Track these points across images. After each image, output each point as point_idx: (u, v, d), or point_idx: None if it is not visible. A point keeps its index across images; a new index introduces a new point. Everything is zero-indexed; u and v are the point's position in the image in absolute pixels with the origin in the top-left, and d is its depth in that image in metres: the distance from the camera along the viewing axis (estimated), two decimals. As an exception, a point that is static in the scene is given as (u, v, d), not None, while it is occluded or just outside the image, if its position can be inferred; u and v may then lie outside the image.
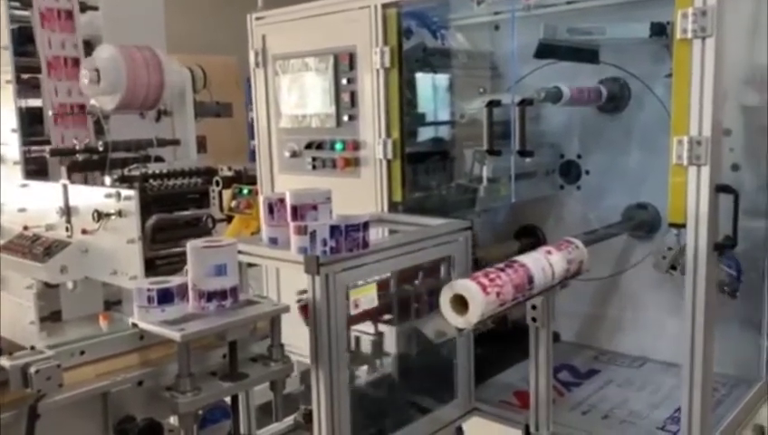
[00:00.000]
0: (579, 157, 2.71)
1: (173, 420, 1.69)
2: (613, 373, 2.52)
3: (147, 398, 1.64)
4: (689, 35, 1.76)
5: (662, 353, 2.50)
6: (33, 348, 1.48)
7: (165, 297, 1.62)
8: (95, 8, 3.87)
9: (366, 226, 1.82)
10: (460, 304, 1.68)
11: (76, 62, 3.55)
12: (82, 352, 1.60)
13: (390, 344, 2.14)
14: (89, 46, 3.73)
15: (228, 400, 1.81)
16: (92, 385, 1.55)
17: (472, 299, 1.65)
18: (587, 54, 2.46)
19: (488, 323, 2.62)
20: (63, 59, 3.62)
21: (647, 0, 2.36)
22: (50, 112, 3.59)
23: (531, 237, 2.74)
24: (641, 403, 2.28)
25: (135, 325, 1.63)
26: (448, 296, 1.69)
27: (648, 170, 2.46)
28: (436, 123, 2.78)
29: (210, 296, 1.67)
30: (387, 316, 2.14)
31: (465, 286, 1.68)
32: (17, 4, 3.62)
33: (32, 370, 1.40)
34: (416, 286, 2.17)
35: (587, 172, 2.70)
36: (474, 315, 1.66)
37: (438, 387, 2.22)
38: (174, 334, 1.53)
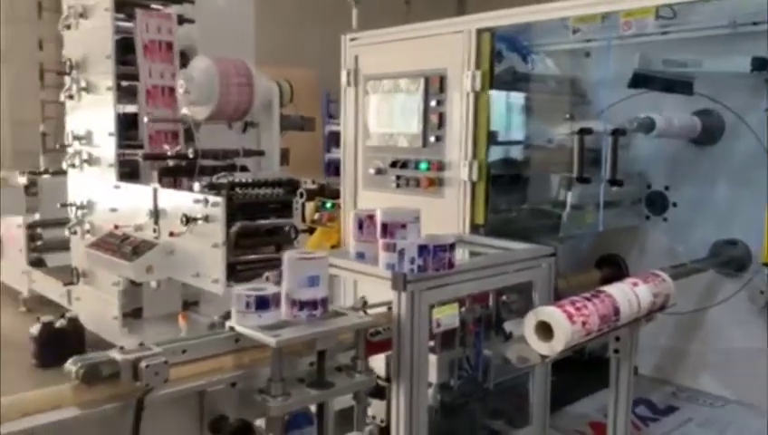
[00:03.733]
0: (666, 188, 2.67)
1: (259, 422, 1.75)
2: (693, 411, 2.46)
3: (239, 399, 1.71)
4: (798, 72, 1.73)
5: (746, 395, 2.42)
6: (122, 349, 1.56)
7: (262, 303, 1.69)
8: (192, 21, 4.06)
9: (453, 247, 1.86)
10: (544, 330, 1.68)
11: (172, 91, 3.74)
12: (184, 351, 1.68)
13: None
14: (184, 57, 3.92)
15: (313, 407, 1.86)
16: (192, 383, 1.63)
17: (558, 327, 1.66)
18: (681, 86, 2.44)
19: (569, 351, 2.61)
20: (161, 88, 3.82)
21: (744, 33, 2.33)
22: (145, 119, 3.78)
23: (613, 267, 2.71)
24: (723, 445, 2.22)
25: (232, 329, 1.70)
26: (533, 323, 1.70)
27: (740, 206, 2.40)
28: (522, 145, 2.79)
29: (302, 305, 1.74)
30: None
31: (551, 314, 1.68)
32: (122, 15, 3.84)
33: (142, 364, 1.49)
34: (498, 310, 2.18)
35: (674, 204, 2.65)
36: (559, 343, 1.67)
37: (513, 412, 2.22)
38: (270, 340, 1.60)
